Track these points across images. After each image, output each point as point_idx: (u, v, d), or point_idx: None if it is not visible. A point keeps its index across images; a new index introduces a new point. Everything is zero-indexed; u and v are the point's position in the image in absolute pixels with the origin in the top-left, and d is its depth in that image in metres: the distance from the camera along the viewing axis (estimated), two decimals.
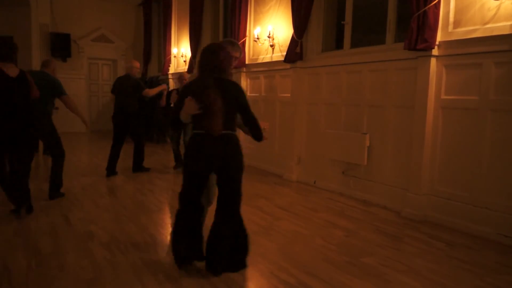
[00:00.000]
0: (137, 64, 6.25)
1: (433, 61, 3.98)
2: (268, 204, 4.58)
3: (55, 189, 4.58)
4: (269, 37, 6.25)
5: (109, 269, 2.81)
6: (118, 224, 3.78)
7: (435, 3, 3.85)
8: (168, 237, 3.53)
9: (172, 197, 5.06)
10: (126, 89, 5.93)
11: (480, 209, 3.68)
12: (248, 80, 7.11)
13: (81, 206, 4.35)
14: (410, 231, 3.76)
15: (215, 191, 2.90)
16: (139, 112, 6.10)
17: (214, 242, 2.73)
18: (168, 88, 6.93)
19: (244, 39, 6.85)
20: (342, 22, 5.31)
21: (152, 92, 6.19)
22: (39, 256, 3.00)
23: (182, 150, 6.89)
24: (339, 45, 5.52)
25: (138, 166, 6.21)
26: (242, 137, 3.01)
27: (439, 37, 3.93)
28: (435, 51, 3.94)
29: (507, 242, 3.43)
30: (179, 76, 6.65)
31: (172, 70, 10.12)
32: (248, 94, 5.64)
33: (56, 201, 4.48)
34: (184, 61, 9.44)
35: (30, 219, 3.84)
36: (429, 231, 3.76)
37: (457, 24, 3.85)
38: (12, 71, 3.74)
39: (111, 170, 5.90)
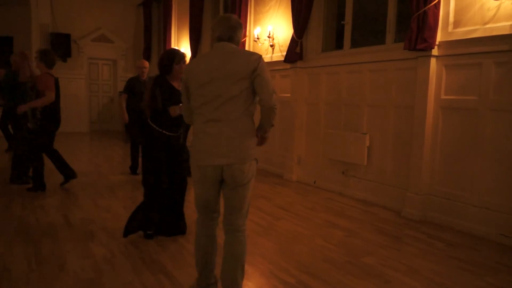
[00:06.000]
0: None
1: (433, 61, 3.98)
2: (268, 204, 4.58)
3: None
4: (269, 37, 6.25)
5: (109, 269, 2.81)
6: (118, 224, 3.78)
7: (435, 3, 3.85)
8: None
9: None
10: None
11: (480, 209, 3.68)
12: None
13: (81, 206, 4.35)
14: (410, 231, 3.76)
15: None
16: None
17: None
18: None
19: (244, 39, 6.85)
20: (342, 22, 5.32)
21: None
22: (39, 256, 3.00)
23: None
24: (339, 45, 5.53)
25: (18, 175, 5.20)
26: None
27: (439, 37, 3.93)
28: (435, 51, 3.95)
29: (507, 242, 3.43)
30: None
31: None
32: None
33: (56, 201, 4.48)
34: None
35: (30, 219, 3.84)
36: (429, 231, 3.76)
37: (457, 24, 3.85)
38: None
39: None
